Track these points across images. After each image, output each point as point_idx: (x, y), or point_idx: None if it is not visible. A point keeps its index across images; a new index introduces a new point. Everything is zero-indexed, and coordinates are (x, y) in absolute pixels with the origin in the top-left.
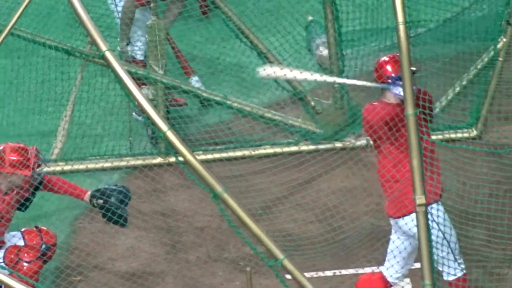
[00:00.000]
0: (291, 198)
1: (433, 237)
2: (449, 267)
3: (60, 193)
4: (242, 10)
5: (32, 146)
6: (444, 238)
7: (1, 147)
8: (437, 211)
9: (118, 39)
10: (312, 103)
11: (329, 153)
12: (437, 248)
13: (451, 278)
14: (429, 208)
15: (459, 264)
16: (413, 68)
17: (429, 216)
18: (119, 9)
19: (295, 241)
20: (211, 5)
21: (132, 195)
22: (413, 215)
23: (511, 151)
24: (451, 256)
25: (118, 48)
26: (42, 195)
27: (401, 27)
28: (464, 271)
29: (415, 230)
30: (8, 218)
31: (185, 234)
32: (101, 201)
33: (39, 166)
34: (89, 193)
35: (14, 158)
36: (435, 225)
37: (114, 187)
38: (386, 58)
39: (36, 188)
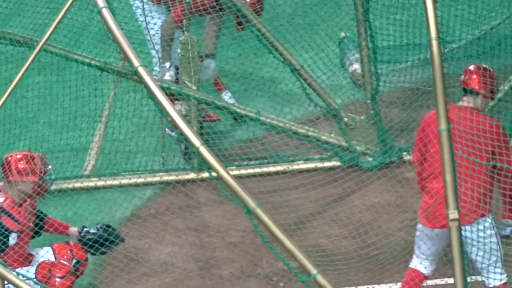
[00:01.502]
0: (324, 214)
1: (482, 246)
2: (495, 273)
3: (56, 231)
4: (276, 27)
5: (38, 153)
6: (492, 247)
7: (7, 157)
8: (489, 223)
9: (155, 57)
10: (345, 119)
11: (363, 170)
12: (483, 257)
13: (497, 284)
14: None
15: (502, 271)
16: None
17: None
18: (150, 26)
19: (328, 256)
20: (244, 22)
21: (165, 210)
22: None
23: None
24: (498, 264)
25: (156, 68)
26: (77, 210)
27: (434, 43)
28: (507, 279)
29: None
30: (29, 227)
31: (219, 249)
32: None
33: (45, 172)
34: (73, 229)
35: (21, 166)
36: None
37: (100, 228)
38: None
39: (40, 227)
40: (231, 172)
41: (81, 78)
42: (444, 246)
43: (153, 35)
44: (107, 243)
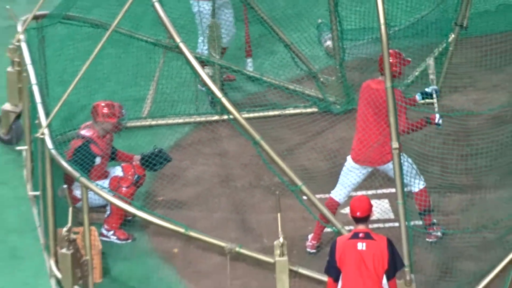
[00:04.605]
0: (307, 144)
1: (404, 168)
2: (415, 182)
3: (122, 159)
4: (273, 15)
5: (117, 102)
6: (411, 166)
7: (96, 104)
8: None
9: (200, 36)
10: (321, 79)
11: (333, 114)
12: (406, 175)
13: (416, 190)
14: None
15: (420, 181)
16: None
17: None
18: (200, 15)
19: (309, 173)
20: (251, 10)
21: (197, 141)
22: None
23: (457, 114)
24: (417, 176)
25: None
26: (137, 141)
27: (383, 27)
28: (425, 185)
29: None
30: (107, 153)
31: (234, 168)
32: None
33: (122, 116)
34: (136, 157)
35: (105, 110)
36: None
37: (155, 151)
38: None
39: (114, 154)
40: (242, 115)
41: (140, 50)
42: (362, 180)
43: (199, 23)
44: (159, 162)
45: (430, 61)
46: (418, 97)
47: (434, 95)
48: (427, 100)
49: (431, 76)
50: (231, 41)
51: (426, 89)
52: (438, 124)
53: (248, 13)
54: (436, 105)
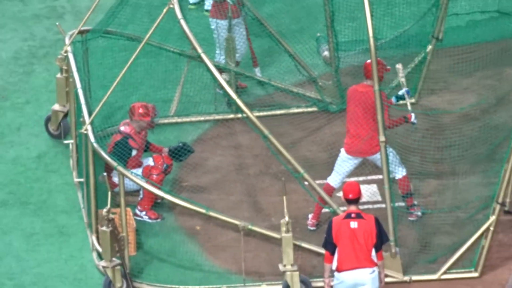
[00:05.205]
0: (308, 138)
1: (389, 158)
2: (398, 170)
3: (154, 151)
4: (280, 30)
5: (151, 104)
6: (395, 157)
7: (134, 105)
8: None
9: (218, 49)
10: (320, 83)
11: (330, 112)
12: (390, 164)
13: (399, 176)
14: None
15: (402, 169)
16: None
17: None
18: (218, 31)
19: (310, 162)
20: (260, 26)
21: (216, 136)
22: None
23: (434, 112)
24: (399, 164)
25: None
26: (166, 135)
27: (371, 39)
28: (406, 172)
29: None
30: (142, 147)
31: (247, 158)
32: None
33: (155, 115)
34: (165, 149)
35: (141, 110)
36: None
37: (180, 144)
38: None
39: (147, 147)
40: (254, 114)
41: (168, 59)
42: (353, 168)
43: (217, 37)
44: (184, 153)
45: (399, 66)
46: (393, 99)
47: (406, 96)
48: (401, 102)
49: (402, 79)
50: (242, 57)
51: (399, 92)
52: (413, 123)
53: (257, 28)
54: (408, 104)
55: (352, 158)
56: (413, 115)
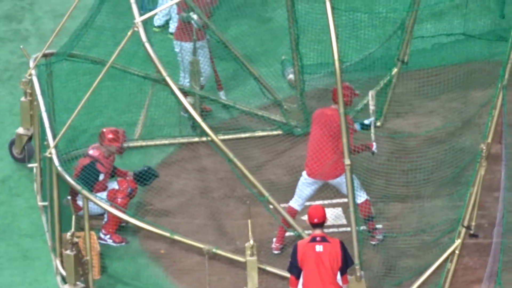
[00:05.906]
0: (273, 161)
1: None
2: (358, 195)
3: (119, 175)
4: (245, 53)
5: (121, 129)
6: (355, 181)
7: (103, 130)
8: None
9: (182, 72)
10: (285, 107)
11: (295, 135)
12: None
13: (361, 201)
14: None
15: (363, 193)
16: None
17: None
18: (181, 55)
19: (275, 185)
20: (225, 49)
21: (181, 159)
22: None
23: (399, 135)
24: (361, 189)
25: (181, 78)
26: (131, 159)
27: (337, 62)
28: (366, 197)
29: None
30: (109, 172)
31: (212, 181)
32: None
33: (125, 140)
34: (130, 172)
35: (110, 136)
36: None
37: (145, 168)
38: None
39: (114, 171)
40: (218, 137)
41: (132, 82)
42: (314, 192)
43: (181, 60)
44: (149, 177)
45: (372, 92)
46: (357, 127)
47: (372, 127)
48: (364, 131)
49: (372, 107)
50: (207, 80)
51: (365, 121)
52: (373, 152)
53: (222, 51)
54: (373, 135)
55: (313, 182)
56: (374, 144)
